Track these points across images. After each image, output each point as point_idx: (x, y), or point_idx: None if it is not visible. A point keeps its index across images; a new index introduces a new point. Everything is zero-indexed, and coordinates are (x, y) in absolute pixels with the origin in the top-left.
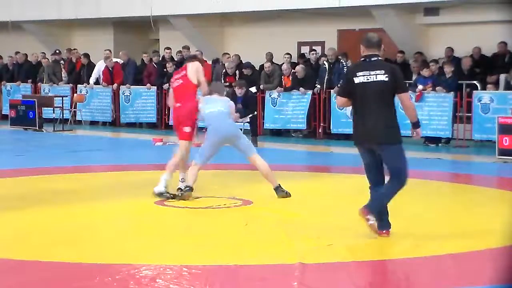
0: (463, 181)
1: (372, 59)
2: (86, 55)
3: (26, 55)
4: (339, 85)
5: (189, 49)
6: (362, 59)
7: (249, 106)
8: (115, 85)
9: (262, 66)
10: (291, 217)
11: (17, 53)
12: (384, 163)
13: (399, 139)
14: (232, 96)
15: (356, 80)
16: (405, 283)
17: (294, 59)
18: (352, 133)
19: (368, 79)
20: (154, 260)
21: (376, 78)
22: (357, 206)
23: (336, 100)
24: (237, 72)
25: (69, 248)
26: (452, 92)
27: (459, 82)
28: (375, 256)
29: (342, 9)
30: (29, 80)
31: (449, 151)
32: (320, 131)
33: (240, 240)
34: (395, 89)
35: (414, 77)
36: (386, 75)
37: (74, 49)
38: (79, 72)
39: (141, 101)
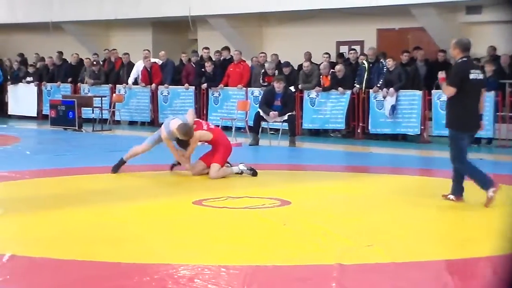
0: (506, 182)
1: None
2: (127, 54)
3: (61, 53)
4: (450, 78)
5: (229, 50)
6: (466, 59)
7: (288, 104)
8: (153, 85)
9: (300, 66)
10: (329, 217)
11: (60, 53)
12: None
13: None
14: (271, 93)
15: (471, 76)
16: (447, 285)
17: (333, 58)
18: (453, 122)
19: (477, 77)
20: (192, 260)
21: (480, 76)
22: (396, 207)
23: (447, 90)
24: (276, 72)
25: (107, 248)
26: (493, 92)
27: (502, 81)
28: (415, 257)
29: (382, 8)
30: (69, 80)
31: (492, 151)
32: (359, 131)
33: (278, 240)
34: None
35: None
36: (483, 75)
37: (113, 49)
38: (118, 72)
39: (179, 101)
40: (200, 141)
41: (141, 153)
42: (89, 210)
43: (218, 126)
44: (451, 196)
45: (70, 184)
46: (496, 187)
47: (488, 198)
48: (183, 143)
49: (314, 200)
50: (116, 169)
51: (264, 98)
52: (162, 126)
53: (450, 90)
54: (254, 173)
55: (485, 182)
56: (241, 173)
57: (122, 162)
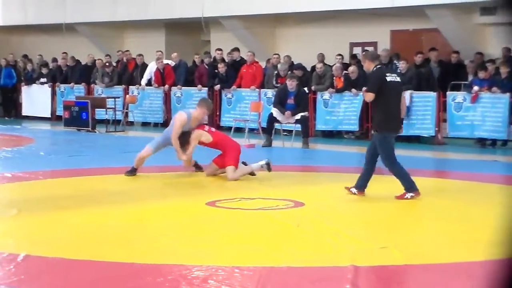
0: None
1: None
2: (141, 56)
3: (73, 56)
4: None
5: (239, 51)
6: (379, 66)
7: (301, 104)
8: (166, 86)
9: (313, 68)
10: (343, 219)
11: (72, 57)
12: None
13: None
14: (284, 91)
15: (388, 79)
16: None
17: (346, 60)
18: (379, 125)
19: (394, 79)
20: (206, 260)
21: (397, 79)
22: (410, 209)
23: (367, 96)
24: (289, 73)
25: (121, 248)
26: (508, 93)
27: None
28: (430, 259)
29: (396, 9)
30: (82, 82)
31: (506, 153)
32: (372, 132)
33: (292, 241)
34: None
35: (470, 78)
36: (399, 78)
37: (127, 50)
38: (131, 73)
39: (192, 102)
40: (200, 142)
41: (146, 158)
42: (103, 211)
43: (231, 128)
44: (354, 190)
45: (84, 184)
46: (417, 195)
47: (404, 196)
48: (183, 141)
49: (327, 202)
50: (131, 173)
51: (277, 97)
52: (173, 122)
53: (369, 96)
54: (269, 168)
55: (411, 185)
56: (262, 167)
57: (134, 170)
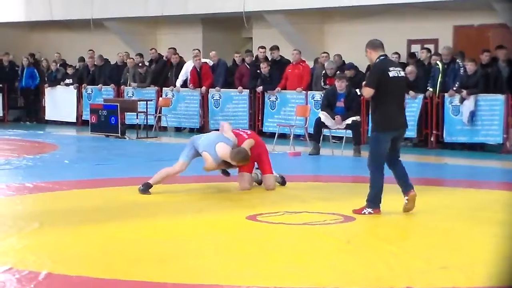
0: None
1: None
2: (176, 54)
3: (101, 55)
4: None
5: (278, 49)
6: (383, 57)
7: (352, 107)
8: (203, 88)
9: (368, 67)
10: (397, 235)
11: (100, 56)
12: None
13: None
14: (332, 93)
15: (391, 74)
16: None
17: (403, 59)
18: (375, 123)
19: (398, 74)
20: (246, 281)
21: (401, 73)
22: (473, 225)
23: (365, 91)
24: (338, 73)
25: (152, 266)
26: None
27: None
28: (495, 281)
29: (459, 2)
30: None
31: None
32: (432, 139)
33: (342, 260)
34: None
35: None
36: (403, 72)
37: (172, 48)
38: (165, 74)
39: (232, 105)
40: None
41: (175, 175)
42: (132, 225)
43: (275, 134)
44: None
45: (112, 196)
46: (376, 212)
47: (362, 211)
48: (227, 164)
49: (380, 216)
50: (144, 191)
51: (325, 99)
52: (200, 144)
53: (368, 91)
54: (283, 182)
55: (375, 201)
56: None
57: (149, 186)
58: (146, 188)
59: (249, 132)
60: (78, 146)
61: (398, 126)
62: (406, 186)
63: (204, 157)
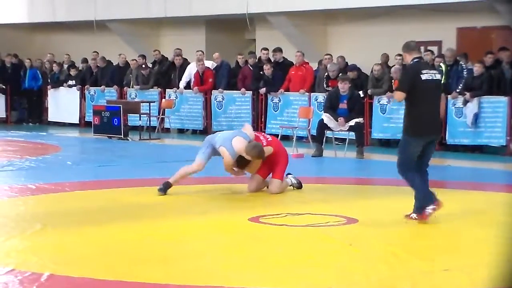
0: None
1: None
2: (179, 56)
3: (104, 57)
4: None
5: (281, 51)
6: (417, 59)
7: (355, 109)
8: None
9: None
10: (400, 237)
11: (103, 57)
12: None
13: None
14: (335, 95)
15: (424, 77)
16: None
17: None
18: (406, 127)
19: (432, 77)
20: (248, 282)
21: (436, 76)
22: (476, 226)
23: (396, 95)
24: (341, 75)
25: (155, 268)
26: None
27: None
28: (498, 283)
29: (462, 4)
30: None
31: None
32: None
33: (344, 262)
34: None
35: None
36: (439, 75)
37: (178, 48)
38: (169, 75)
39: (234, 107)
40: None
41: (193, 174)
42: (135, 226)
43: (278, 135)
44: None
45: (115, 197)
46: (438, 205)
47: (410, 216)
48: (243, 162)
49: (383, 218)
50: (163, 191)
51: (328, 101)
52: (217, 141)
53: (399, 95)
54: (300, 187)
55: (428, 199)
56: (292, 186)
57: (168, 185)
58: (165, 188)
59: (269, 138)
60: (81, 147)
61: (430, 132)
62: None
63: (221, 152)
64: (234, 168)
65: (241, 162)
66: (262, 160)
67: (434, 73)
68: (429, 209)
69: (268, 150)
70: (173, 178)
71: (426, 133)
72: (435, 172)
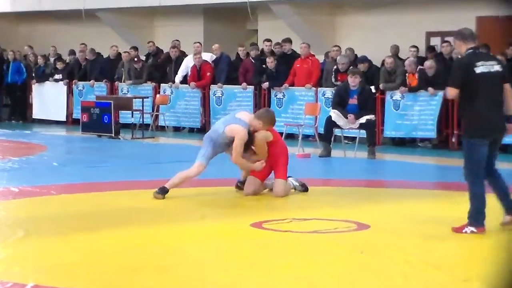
0: None
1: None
2: (175, 48)
3: (93, 49)
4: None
5: (291, 42)
6: (471, 50)
7: (366, 105)
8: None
9: (383, 62)
10: (416, 244)
11: (92, 49)
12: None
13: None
14: (345, 90)
15: (479, 69)
16: None
17: (422, 52)
18: (466, 129)
19: (490, 69)
20: None
21: (495, 68)
22: (498, 233)
23: (448, 91)
24: (351, 68)
25: (149, 278)
26: None
27: None
28: None
29: None
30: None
31: None
32: (453, 140)
33: (353, 271)
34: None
35: None
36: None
37: (176, 40)
38: (164, 68)
39: (235, 103)
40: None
41: (194, 177)
42: (128, 233)
43: (282, 134)
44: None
45: (105, 201)
46: (480, 231)
47: (463, 230)
48: (248, 146)
49: (397, 224)
50: (161, 194)
51: (336, 96)
52: (217, 128)
53: (451, 92)
54: (305, 189)
55: (477, 217)
56: (294, 189)
57: (165, 191)
58: (161, 193)
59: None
60: (68, 147)
61: (492, 129)
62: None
63: (229, 131)
64: (257, 165)
65: (247, 147)
66: (273, 125)
67: (492, 64)
68: (469, 229)
69: (268, 135)
70: (170, 183)
71: (487, 131)
72: (453, 173)
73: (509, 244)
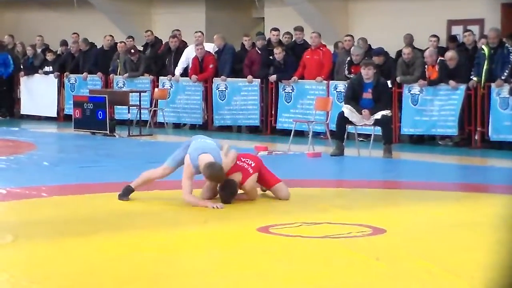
0: None
1: None
2: (175, 38)
3: (86, 39)
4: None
5: (302, 30)
6: None
7: (381, 99)
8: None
9: (399, 54)
10: (435, 250)
11: (85, 39)
12: None
13: None
14: (358, 83)
15: None
16: None
17: (443, 42)
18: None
19: None
20: None
21: None
22: None
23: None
24: (365, 60)
25: (148, 286)
26: None
27: None
28: None
29: None
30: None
31: None
32: (476, 137)
33: (368, 279)
34: None
35: None
36: None
37: (176, 29)
38: (162, 59)
39: (240, 97)
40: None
41: (157, 179)
42: (124, 238)
43: (290, 131)
44: None
45: (99, 204)
46: None
47: None
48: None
49: (415, 228)
50: (123, 196)
51: (349, 90)
52: (190, 152)
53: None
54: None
55: None
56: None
57: (130, 190)
58: (125, 193)
59: (253, 164)
60: (60, 145)
61: None
62: None
63: (185, 159)
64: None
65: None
66: (219, 182)
67: None
68: None
69: (237, 177)
70: (135, 182)
71: None
72: (476, 173)
73: None
